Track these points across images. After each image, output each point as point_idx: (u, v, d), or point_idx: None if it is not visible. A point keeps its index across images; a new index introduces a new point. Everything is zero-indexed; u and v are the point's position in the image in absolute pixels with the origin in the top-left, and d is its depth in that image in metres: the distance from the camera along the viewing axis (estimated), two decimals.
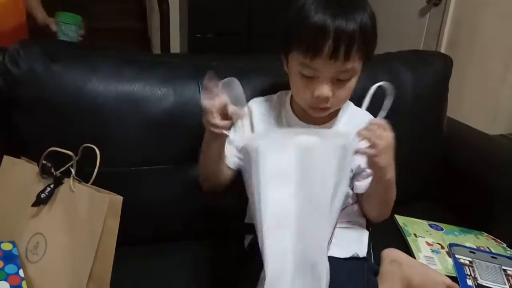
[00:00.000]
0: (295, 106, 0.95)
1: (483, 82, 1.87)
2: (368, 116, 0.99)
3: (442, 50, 2.02)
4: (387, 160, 0.79)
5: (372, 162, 0.80)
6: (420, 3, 2.11)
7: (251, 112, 0.96)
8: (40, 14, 1.55)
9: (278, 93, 1.00)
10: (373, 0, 0.91)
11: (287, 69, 0.89)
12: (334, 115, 0.94)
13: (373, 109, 0.97)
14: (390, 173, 0.81)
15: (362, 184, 0.93)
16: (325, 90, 0.81)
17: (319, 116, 0.89)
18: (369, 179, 0.91)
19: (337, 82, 0.82)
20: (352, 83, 0.84)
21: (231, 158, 0.92)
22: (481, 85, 1.87)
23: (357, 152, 0.74)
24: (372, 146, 0.75)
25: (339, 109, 0.94)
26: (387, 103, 0.77)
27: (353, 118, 0.95)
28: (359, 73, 0.85)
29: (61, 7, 1.59)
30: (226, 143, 0.87)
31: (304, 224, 0.67)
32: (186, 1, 2.85)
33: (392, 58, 1.25)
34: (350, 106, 0.98)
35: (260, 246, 0.66)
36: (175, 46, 2.95)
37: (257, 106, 0.97)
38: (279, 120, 0.96)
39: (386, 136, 0.76)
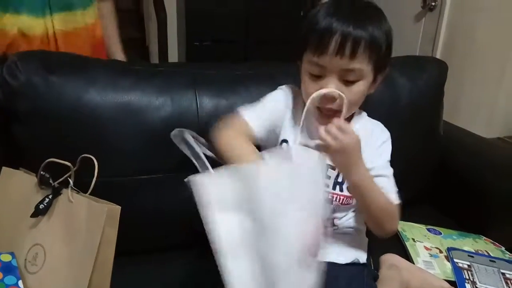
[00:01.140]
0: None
1: (479, 86, 1.88)
2: (381, 126, 0.99)
3: (438, 55, 2.03)
4: (344, 162, 0.79)
5: (331, 160, 0.81)
6: (416, 8, 2.12)
7: (285, 97, 0.96)
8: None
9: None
10: None
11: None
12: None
13: (373, 117, 0.99)
14: (355, 176, 0.81)
15: None
16: (331, 87, 0.82)
17: (326, 124, 0.88)
18: None
19: (344, 83, 0.83)
20: (360, 86, 0.84)
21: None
22: (477, 89, 1.88)
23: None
24: (325, 144, 0.76)
25: (352, 117, 0.94)
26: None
27: (365, 127, 0.95)
28: (368, 79, 0.85)
29: None
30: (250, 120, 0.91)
31: (260, 248, 0.69)
32: (184, 9, 2.87)
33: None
34: (363, 117, 0.98)
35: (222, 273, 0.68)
36: (173, 54, 2.96)
37: (289, 92, 0.97)
38: (299, 115, 0.94)
39: (342, 138, 0.76)
